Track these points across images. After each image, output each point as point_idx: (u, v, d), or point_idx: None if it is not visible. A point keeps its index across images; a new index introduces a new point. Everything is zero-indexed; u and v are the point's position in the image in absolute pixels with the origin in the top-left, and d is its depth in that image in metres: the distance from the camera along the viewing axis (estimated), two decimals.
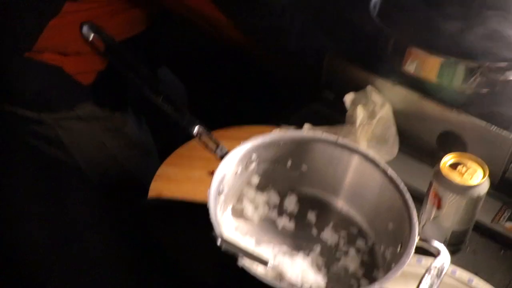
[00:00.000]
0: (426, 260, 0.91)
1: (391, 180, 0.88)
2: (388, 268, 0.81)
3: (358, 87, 1.21)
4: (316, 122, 1.22)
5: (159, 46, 1.44)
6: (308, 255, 0.89)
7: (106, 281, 1.19)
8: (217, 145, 0.89)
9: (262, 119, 1.24)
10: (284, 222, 0.94)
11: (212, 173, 1.11)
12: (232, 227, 0.90)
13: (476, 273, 0.94)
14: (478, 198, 0.93)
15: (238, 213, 0.93)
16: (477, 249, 1.02)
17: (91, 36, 0.91)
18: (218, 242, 0.70)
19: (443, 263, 0.78)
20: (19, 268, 1.24)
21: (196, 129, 0.89)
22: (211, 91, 1.68)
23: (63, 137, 1.24)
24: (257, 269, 0.79)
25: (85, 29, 0.90)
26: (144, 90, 0.89)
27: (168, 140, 1.23)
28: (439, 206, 0.95)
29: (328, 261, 0.89)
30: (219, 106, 1.63)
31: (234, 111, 1.43)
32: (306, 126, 1.21)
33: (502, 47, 1.11)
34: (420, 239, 0.80)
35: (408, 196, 0.85)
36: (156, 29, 1.29)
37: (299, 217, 0.95)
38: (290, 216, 0.95)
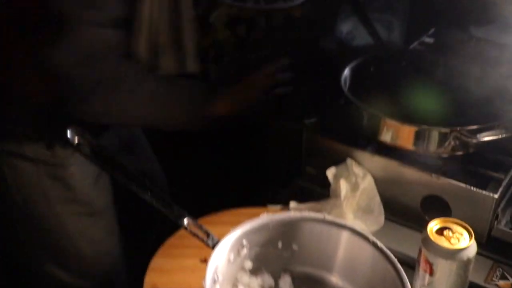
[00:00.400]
0: None
1: (381, 252, 0.90)
2: None
3: (338, 160, 1.24)
4: (302, 198, 1.24)
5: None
6: None
7: None
8: (208, 235, 0.90)
9: (247, 200, 1.25)
10: None
11: (204, 260, 1.12)
12: None
13: None
14: (468, 261, 0.94)
15: None
16: None
17: (76, 139, 0.93)
18: None
19: None
20: None
21: (185, 221, 0.91)
22: (193, 175, 1.70)
23: (7, 175, 1.19)
24: None
25: (69, 133, 0.93)
26: (132, 187, 0.91)
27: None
28: (431, 272, 0.96)
29: None
30: (203, 189, 1.65)
31: (218, 194, 1.45)
32: (292, 204, 1.23)
33: (473, 110, 1.16)
34: None
35: (399, 266, 0.87)
36: None
37: None
38: None
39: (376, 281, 0.92)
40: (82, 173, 1.22)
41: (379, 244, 0.90)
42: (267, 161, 1.45)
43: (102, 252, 1.31)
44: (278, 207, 1.24)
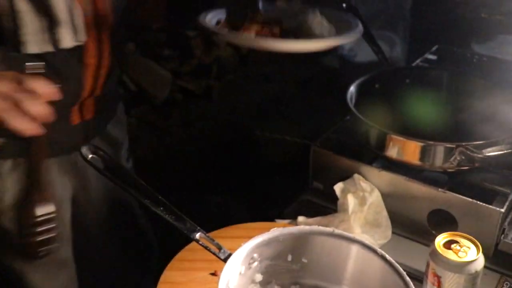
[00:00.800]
0: None
1: (390, 265, 0.91)
2: None
3: (345, 175, 1.26)
4: (309, 213, 1.26)
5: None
6: None
7: None
8: (219, 248, 0.92)
9: (255, 216, 1.27)
10: None
11: (214, 274, 1.14)
12: None
13: None
14: (476, 274, 0.96)
15: None
16: None
17: (89, 156, 0.95)
18: None
19: None
20: None
21: (197, 235, 0.92)
22: (200, 191, 1.71)
23: None
24: None
25: (84, 149, 0.95)
26: (145, 202, 0.93)
27: None
28: (439, 286, 0.97)
29: None
30: (210, 205, 1.67)
31: (226, 210, 1.46)
32: (300, 218, 1.24)
33: (478, 125, 1.18)
34: None
35: (408, 279, 0.88)
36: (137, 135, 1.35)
37: None
38: None
39: None
40: None
41: (388, 257, 0.91)
42: (275, 176, 1.47)
43: None
44: (286, 222, 1.25)
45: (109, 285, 1.35)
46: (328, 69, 1.73)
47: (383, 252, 0.93)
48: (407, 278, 0.89)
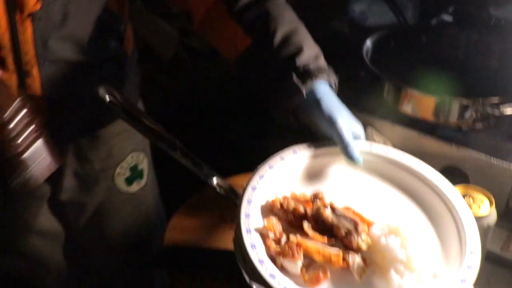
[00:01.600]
0: None
1: None
2: None
3: None
4: None
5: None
6: None
7: None
8: (236, 195, 0.92)
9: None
10: None
11: (224, 221, 1.15)
12: None
13: None
14: (488, 228, 0.96)
15: None
16: (490, 277, 1.05)
17: (107, 97, 0.94)
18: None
19: None
20: None
21: (214, 180, 0.93)
22: (207, 149, 1.71)
23: None
24: None
25: (101, 91, 0.94)
26: (162, 146, 0.93)
27: None
28: None
29: None
30: (222, 151, 1.66)
31: (232, 166, 1.46)
32: None
33: (494, 84, 1.17)
34: None
35: None
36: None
37: None
38: None
39: None
40: None
41: None
42: (285, 132, 1.46)
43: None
44: None
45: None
46: (338, 33, 1.71)
47: None
48: None
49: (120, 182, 1.26)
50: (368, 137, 1.22)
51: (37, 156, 0.89)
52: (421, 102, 1.20)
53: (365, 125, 1.24)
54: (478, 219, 0.94)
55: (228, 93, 1.71)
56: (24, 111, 0.87)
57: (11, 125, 0.86)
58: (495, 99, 1.14)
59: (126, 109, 0.96)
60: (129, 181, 1.28)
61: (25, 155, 0.88)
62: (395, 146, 1.22)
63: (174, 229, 1.12)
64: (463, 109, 1.16)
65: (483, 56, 1.33)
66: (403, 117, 1.22)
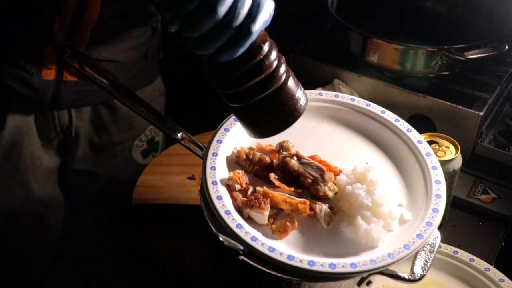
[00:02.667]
0: None
1: None
2: None
3: (326, 82, 1.25)
4: None
5: None
6: None
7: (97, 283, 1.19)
8: (202, 149, 0.91)
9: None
10: None
11: (192, 177, 1.14)
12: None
13: (459, 246, 0.98)
14: (454, 173, 0.97)
15: None
16: (457, 223, 1.06)
17: (66, 54, 0.91)
18: (220, 238, 0.72)
19: (435, 238, 0.82)
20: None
21: (179, 135, 0.91)
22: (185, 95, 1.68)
23: None
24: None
25: (60, 49, 0.91)
26: (125, 102, 0.90)
27: None
28: None
29: None
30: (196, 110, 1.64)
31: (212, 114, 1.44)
32: None
33: (460, 29, 1.16)
34: None
35: None
36: None
37: None
38: None
39: None
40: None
41: None
42: None
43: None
44: None
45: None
46: None
47: None
48: None
49: (137, 155, 1.26)
50: (335, 89, 1.22)
51: None
52: (387, 52, 1.19)
53: (332, 77, 1.24)
54: (444, 163, 0.95)
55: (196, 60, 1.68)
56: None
57: None
58: (460, 45, 1.14)
59: (86, 64, 0.93)
60: (145, 153, 1.28)
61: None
62: (362, 97, 1.21)
63: (142, 188, 1.11)
64: (429, 56, 1.16)
65: (447, 5, 1.32)
66: (369, 67, 1.22)
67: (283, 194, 0.82)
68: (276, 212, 0.82)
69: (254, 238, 0.75)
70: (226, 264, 0.82)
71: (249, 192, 0.82)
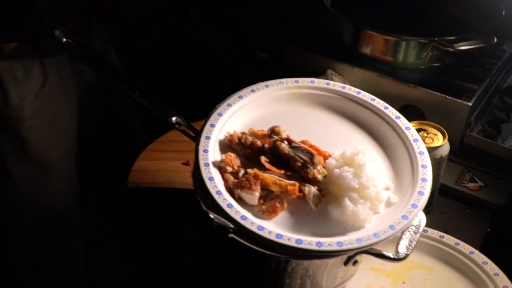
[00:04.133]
0: None
1: None
2: None
3: (318, 73, 1.27)
4: None
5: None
6: None
7: (90, 267, 1.21)
8: (196, 132, 0.93)
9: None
10: None
11: (186, 163, 1.16)
12: None
13: (446, 231, 1.01)
14: (441, 159, 1.00)
15: None
16: (444, 210, 1.09)
17: (64, 39, 0.94)
18: (211, 216, 0.75)
19: (420, 220, 0.84)
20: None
21: (174, 119, 0.93)
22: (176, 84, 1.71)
23: None
24: None
25: (57, 33, 0.94)
26: (121, 86, 0.93)
27: None
28: None
29: None
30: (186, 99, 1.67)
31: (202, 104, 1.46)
32: None
33: (451, 22, 1.19)
34: None
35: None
36: None
37: None
38: None
39: None
40: (38, 124, 1.17)
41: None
42: (246, 74, 1.48)
43: (56, 204, 1.27)
44: None
45: None
46: None
47: None
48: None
49: None
50: (327, 79, 1.24)
51: None
52: (379, 43, 1.21)
53: (325, 68, 1.26)
54: (432, 149, 0.98)
55: (196, 53, 1.70)
56: None
57: None
58: (451, 37, 1.16)
59: (84, 52, 0.95)
60: None
61: None
62: (354, 87, 1.23)
63: (137, 172, 1.14)
64: (420, 48, 1.18)
65: None
66: (362, 59, 1.24)
67: (273, 176, 0.85)
68: (266, 193, 0.84)
69: (244, 217, 0.78)
70: (218, 246, 0.84)
71: (240, 174, 0.85)
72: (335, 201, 0.84)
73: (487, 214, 1.08)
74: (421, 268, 0.95)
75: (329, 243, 0.77)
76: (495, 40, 1.17)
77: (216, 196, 0.80)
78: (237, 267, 0.83)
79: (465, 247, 0.95)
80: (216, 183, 0.82)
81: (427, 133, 1.01)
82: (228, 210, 0.79)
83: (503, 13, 1.24)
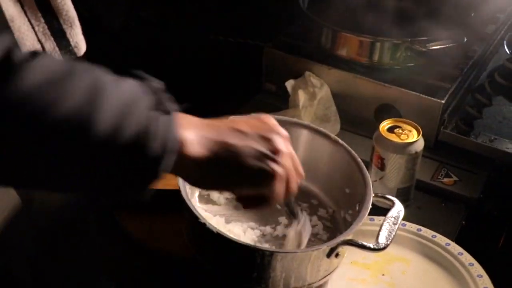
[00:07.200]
0: (378, 219, 1.00)
1: (342, 147, 0.96)
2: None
3: (297, 76, 1.30)
4: (262, 112, 1.29)
5: None
6: (275, 228, 0.95)
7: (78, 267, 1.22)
8: None
9: (210, 115, 1.30)
10: None
11: None
12: (201, 210, 0.96)
13: (423, 225, 1.04)
14: (416, 155, 1.03)
15: (205, 200, 0.99)
16: (421, 204, 1.12)
17: None
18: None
19: (398, 211, 0.87)
20: None
21: None
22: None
23: None
24: None
25: None
26: None
27: None
28: (382, 167, 1.05)
29: None
30: None
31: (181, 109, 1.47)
32: (253, 115, 1.28)
33: (423, 22, 1.23)
34: (375, 195, 0.89)
35: (359, 159, 0.94)
36: None
37: None
38: None
39: (336, 178, 0.98)
40: None
41: (340, 140, 0.97)
42: (227, 78, 1.50)
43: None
44: None
45: None
46: None
47: (335, 136, 0.98)
48: (359, 159, 0.94)
49: None
50: (306, 81, 1.28)
51: None
52: (355, 45, 1.25)
53: (303, 70, 1.30)
54: (407, 145, 1.02)
55: (178, 62, 1.73)
56: None
57: None
58: (423, 38, 1.20)
59: None
60: None
61: None
62: (332, 88, 1.27)
63: None
64: (395, 48, 1.22)
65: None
66: (339, 60, 1.28)
67: None
68: None
69: None
70: (204, 242, 0.86)
71: None
72: None
73: (462, 208, 1.12)
74: (400, 261, 0.99)
75: None
76: (465, 39, 1.21)
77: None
78: (222, 262, 0.86)
79: (442, 239, 0.99)
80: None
81: (402, 130, 1.04)
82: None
83: (473, 14, 1.29)
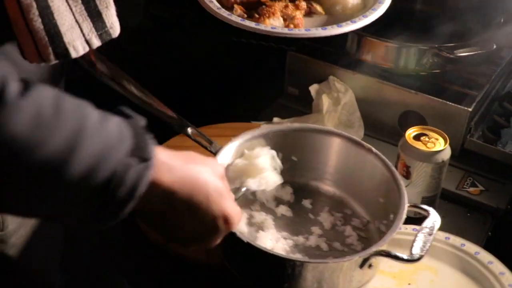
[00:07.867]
0: (405, 228, 0.98)
1: (376, 156, 0.95)
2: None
3: (320, 80, 1.29)
4: (284, 117, 1.29)
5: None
6: (308, 238, 0.94)
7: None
8: (210, 143, 0.95)
9: (232, 118, 1.29)
10: (282, 211, 0.98)
11: None
12: None
13: None
14: (442, 164, 1.02)
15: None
16: (446, 214, 1.10)
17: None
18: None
19: (434, 222, 0.86)
20: None
21: (189, 130, 0.95)
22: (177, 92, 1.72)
23: None
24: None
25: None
26: (134, 100, 0.93)
27: None
28: (408, 175, 1.03)
29: (328, 240, 0.95)
30: (185, 109, 1.68)
31: (204, 111, 1.47)
32: (275, 120, 1.28)
33: (450, 29, 1.22)
34: (410, 205, 0.88)
35: (393, 168, 0.93)
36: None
37: (295, 206, 1.00)
38: (287, 205, 0.99)
39: (371, 187, 0.97)
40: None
41: (374, 149, 0.96)
42: (251, 81, 1.50)
43: None
44: (262, 123, 1.29)
45: None
46: None
47: (368, 145, 0.97)
48: (393, 167, 0.94)
49: None
50: (330, 86, 1.27)
51: None
52: (380, 50, 1.24)
53: (327, 75, 1.29)
54: (434, 153, 1.00)
55: (196, 60, 1.72)
56: None
57: None
58: (450, 44, 1.19)
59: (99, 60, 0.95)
60: None
61: None
62: (356, 94, 1.26)
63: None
64: (421, 54, 1.21)
65: (438, 5, 1.38)
66: (363, 65, 1.27)
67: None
68: None
69: None
70: (234, 251, 0.85)
71: None
72: None
73: (488, 218, 1.10)
74: (427, 270, 0.97)
75: None
76: (494, 46, 1.20)
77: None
78: (252, 272, 0.85)
79: (471, 248, 0.97)
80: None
81: (429, 138, 1.03)
82: None
83: (502, 20, 1.27)
